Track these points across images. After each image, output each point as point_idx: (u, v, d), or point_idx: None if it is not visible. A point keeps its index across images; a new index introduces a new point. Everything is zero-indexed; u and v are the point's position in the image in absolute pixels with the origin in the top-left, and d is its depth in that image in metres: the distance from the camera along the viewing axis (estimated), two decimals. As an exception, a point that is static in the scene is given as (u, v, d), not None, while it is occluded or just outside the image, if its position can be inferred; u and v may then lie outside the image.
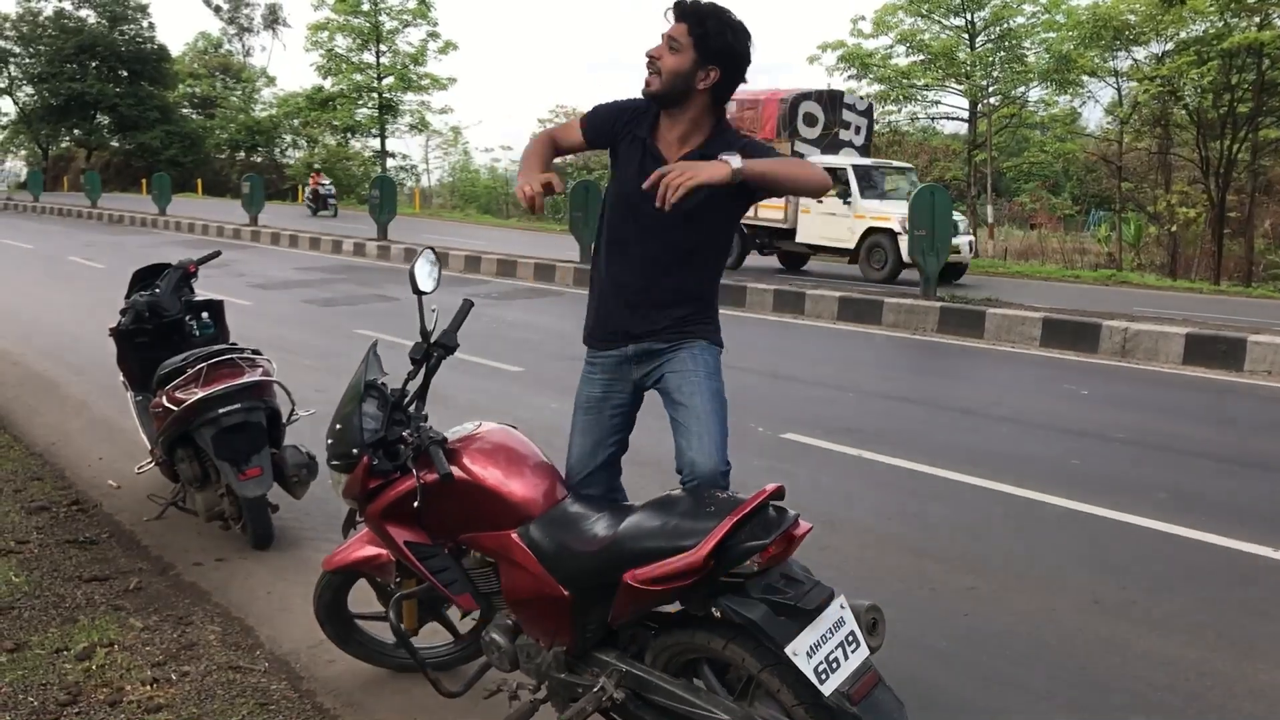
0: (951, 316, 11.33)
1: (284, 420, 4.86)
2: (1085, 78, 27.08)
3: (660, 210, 2.83)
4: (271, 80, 60.96)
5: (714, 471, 3.03)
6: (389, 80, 45.93)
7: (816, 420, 7.10)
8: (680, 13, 3.02)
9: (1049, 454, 6.43)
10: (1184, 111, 24.95)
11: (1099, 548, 4.85)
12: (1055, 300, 13.04)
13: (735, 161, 2.86)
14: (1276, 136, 24.97)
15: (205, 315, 5.38)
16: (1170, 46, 24.60)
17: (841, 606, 2.47)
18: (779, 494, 2.50)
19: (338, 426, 3.01)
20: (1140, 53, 25.55)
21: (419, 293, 3.06)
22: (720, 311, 3.35)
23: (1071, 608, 4.18)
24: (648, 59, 3.05)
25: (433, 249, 3.22)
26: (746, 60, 3.07)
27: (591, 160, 45.40)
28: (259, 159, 54.03)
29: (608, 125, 3.23)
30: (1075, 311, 11.05)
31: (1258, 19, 21.99)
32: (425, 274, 3.10)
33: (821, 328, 11.86)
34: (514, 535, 2.79)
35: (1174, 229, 25.74)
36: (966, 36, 28.36)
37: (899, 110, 30.22)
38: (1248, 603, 4.24)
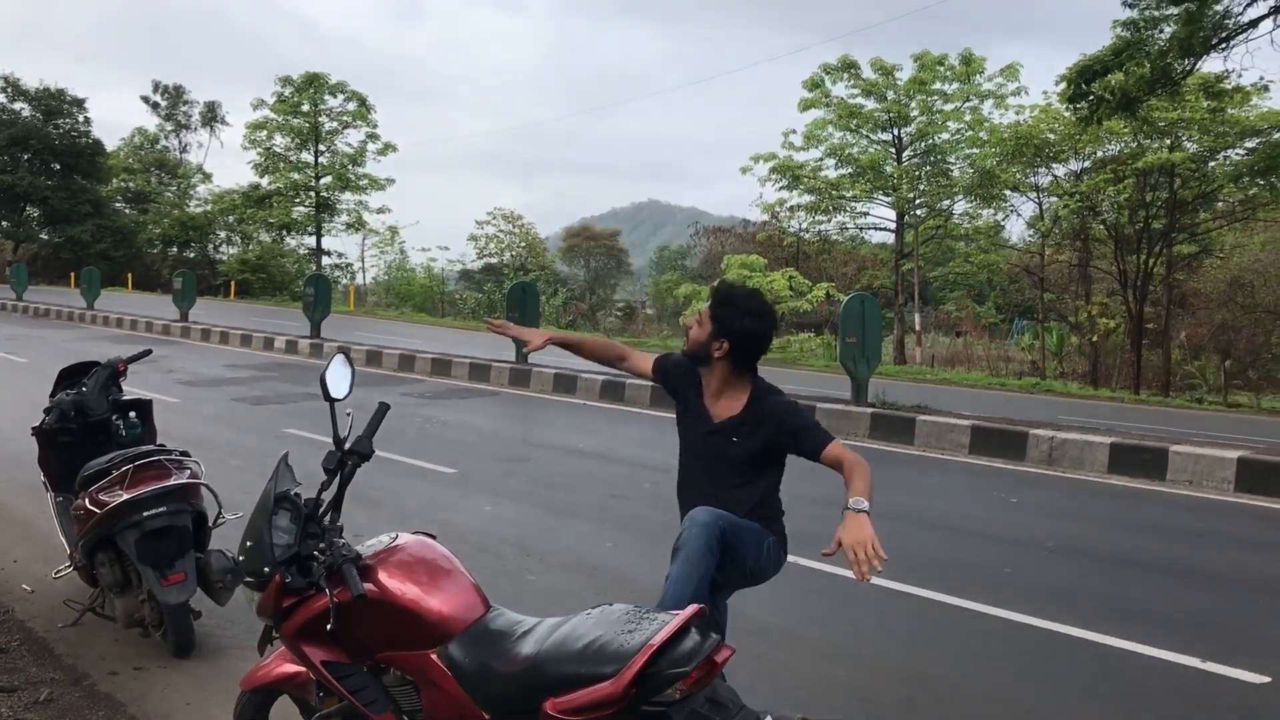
0: (882, 423, 11.48)
1: (210, 524, 4.74)
2: (1008, 192, 27.99)
3: (710, 460, 3.72)
4: (208, 177, 60.77)
5: None
6: (327, 180, 46.06)
7: (751, 526, 7.07)
8: (713, 292, 3.67)
9: (980, 562, 6.49)
10: (1102, 226, 25.88)
11: (1032, 657, 4.88)
12: (982, 408, 13.27)
13: (864, 505, 3.23)
14: (1189, 252, 26.02)
15: (133, 415, 5.25)
16: (1088, 164, 25.64)
17: None
18: (700, 615, 2.48)
19: (249, 544, 2.92)
20: (1060, 169, 26.55)
21: (330, 399, 3.01)
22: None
23: (1007, 718, 4.18)
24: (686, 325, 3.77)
25: (345, 352, 3.18)
26: (759, 338, 3.62)
27: (529, 263, 45.83)
28: (192, 254, 53.52)
29: (672, 377, 3.82)
30: (1002, 420, 11.25)
31: (1169, 141, 23.04)
32: (337, 379, 3.05)
33: (755, 432, 11.91)
34: (433, 655, 2.72)
35: (1094, 339, 26.49)
36: (894, 151, 29.29)
37: (829, 220, 30.94)
38: (1179, 714, 4.28)
